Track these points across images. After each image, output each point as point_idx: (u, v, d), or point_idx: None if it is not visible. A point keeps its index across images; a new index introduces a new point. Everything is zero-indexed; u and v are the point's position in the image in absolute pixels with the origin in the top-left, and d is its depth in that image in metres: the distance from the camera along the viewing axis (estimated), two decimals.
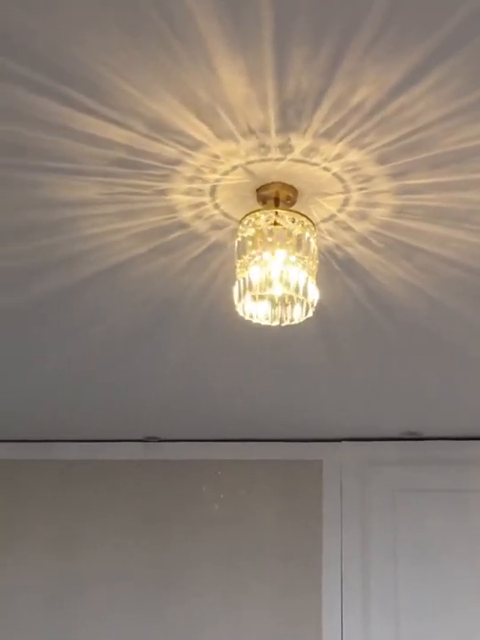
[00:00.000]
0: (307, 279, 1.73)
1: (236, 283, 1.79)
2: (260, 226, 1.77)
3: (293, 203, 1.81)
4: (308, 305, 1.75)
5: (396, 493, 3.24)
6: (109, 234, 1.98)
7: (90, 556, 3.38)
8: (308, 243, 1.75)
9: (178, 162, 1.72)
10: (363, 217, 1.89)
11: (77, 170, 1.75)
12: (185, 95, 1.53)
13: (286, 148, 1.68)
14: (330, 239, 1.98)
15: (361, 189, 1.80)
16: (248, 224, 1.79)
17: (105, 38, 1.40)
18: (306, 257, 1.74)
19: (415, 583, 3.13)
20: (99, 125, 1.61)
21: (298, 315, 1.76)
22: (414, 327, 2.43)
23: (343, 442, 3.35)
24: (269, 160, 1.72)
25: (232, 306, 2.29)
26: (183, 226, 1.94)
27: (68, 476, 3.47)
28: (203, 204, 1.86)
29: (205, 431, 3.46)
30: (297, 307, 1.76)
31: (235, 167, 1.74)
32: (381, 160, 1.70)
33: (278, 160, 1.72)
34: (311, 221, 1.78)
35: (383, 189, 1.80)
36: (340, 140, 1.64)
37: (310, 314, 1.78)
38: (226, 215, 1.91)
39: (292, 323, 1.80)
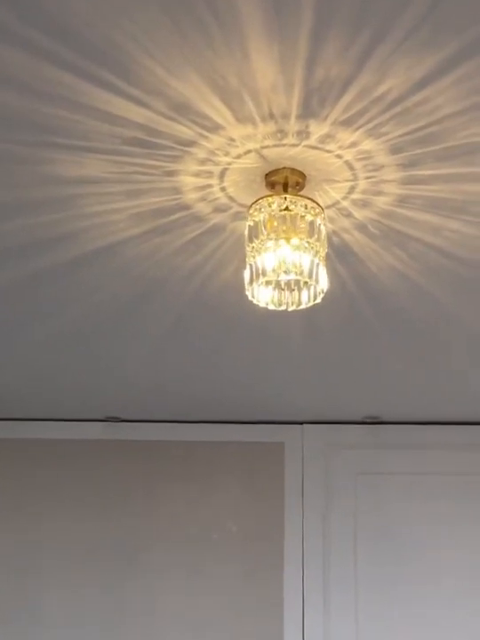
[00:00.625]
0: (317, 265, 1.75)
1: (247, 267, 1.80)
2: (271, 211, 1.78)
3: (302, 188, 1.83)
4: (317, 290, 1.77)
5: (358, 476, 3.30)
6: (110, 213, 1.97)
7: (49, 536, 3.36)
8: (319, 228, 1.77)
9: (192, 143, 1.72)
10: (365, 205, 1.92)
11: (89, 147, 1.73)
12: (214, 78, 1.53)
13: (303, 134, 1.69)
14: (329, 225, 2.00)
15: (368, 178, 1.83)
16: (259, 209, 1.80)
17: (141, 15, 1.39)
18: (316, 242, 1.76)
19: (375, 565, 3.21)
20: (119, 104, 1.60)
21: (305, 300, 1.78)
22: (394, 313, 2.48)
23: (305, 425, 3.39)
24: (284, 145, 1.73)
25: (217, 288, 2.32)
26: (185, 207, 1.94)
27: (29, 455, 3.44)
28: (209, 186, 1.87)
29: (167, 412, 3.47)
30: (304, 292, 1.78)
31: (248, 151, 1.75)
32: (394, 150, 1.73)
33: (293, 146, 1.73)
34: (321, 207, 1.80)
35: (390, 179, 1.83)
36: (358, 128, 1.67)
37: (319, 300, 1.80)
38: (231, 199, 1.91)
39: (300, 308, 1.82)
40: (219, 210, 1.95)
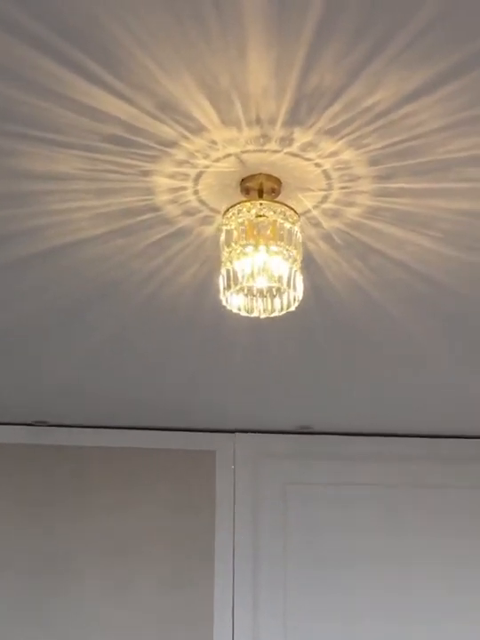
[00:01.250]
0: (294, 272, 1.74)
1: (221, 274, 1.77)
2: (247, 217, 1.76)
3: (277, 195, 1.82)
4: (292, 298, 1.76)
5: (287, 486, 3.31)
6: (73, 211, 1.91)
7: None
8: (295, 235, 1.76)
9: (173, 144, 1.69)
10: (335, 215, 1.93)
11: (63, 142, 1.68)
12: (205, 78, 1.51)
13: (286, 141, 1.68)
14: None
15: (343, 188, 1.83)
16: (235, 214, 1.78)
17: (140, 1, 1.35)
18: (292, 249, 1.75)
19: (304, 574, 3.21)
20: (102, 98, 1.56)
21: (279, 307, 1.77)
22: (344, 324, 2.50)
23: (237, 433, 3.38)
24: (265, 151, 1.72)
25: (172, 292, 2.29)
26: (155, 209, 1.90)
27: None
28: (183, 188, 1.84)
29: (97, 417, 3.39)
30: (278, 299, 1.77)
31: (228, 155, 1.73)
32: (372, 162, 1.74)
33: (274, 152, 1.72)
34: (297, 214, 1.79)
35: (364, 190, 1.84)
36: (341, 138, 1.67)
37: (293, 307, 1.79)
38: (202, 202, 1.88)
39: (273, 314, 1.81)
40: (188, 213, 1.92)
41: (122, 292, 2.28)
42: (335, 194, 1.85)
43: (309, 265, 2.12)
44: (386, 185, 1.82)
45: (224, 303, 1.80)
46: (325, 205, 1.89)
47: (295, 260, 1.74)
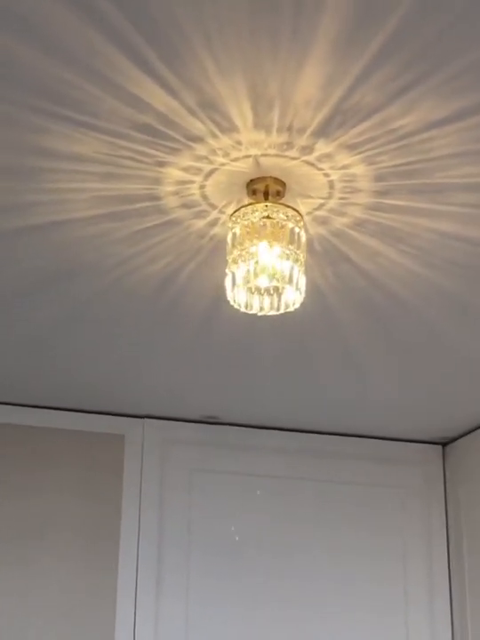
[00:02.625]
0: (297, 271, 1.81)
1: (229, 274, 1.83)
2: (254, 218, 1.83)
3: (281, 197, 1.89)
4: (296, 297, 1.84)
5: (193, 473, 3.37)
6: (73, 191, 1.91)
7: None
8: (299, 236, 1.84)
9: (199, 140, 1.73)
10: (323, 222, 2.02)
11: (95, 125, 1.68)
12: (256, 83, 1.56)
13: (307, 149, 1.76)
14: None
15: (341, 199, 1.93)
16: (241, 216, 1.83)
17: (222, 5, 1.38)
18: (297, 250, 1.82)
19: (207, 560, 3.29)
20: (150, 89, 1.58)
21: (284, 305, 1.85)
22: (287, 324, 2.58)
23: (146, 419, 3.41)
24: (284, 157, 1.79)
25: (137, 280, 2.31)
26: (155, 198, 1.93)
27: None
28: (191, 182, 1.88)
29: (5, 394, 3.33)
30: (285, 297, 1.84)
31: (247, 156, 1.79)
32: (378, 178, 1.85)
33: (292, 159, 1.79)
34: (301, 215, 1.86)
35: (359, 203, 1.94)
36: (359, 154, 1.77)
37: (297, 305, 1.87)
38: (204, 197, 1.93)
39: (284, 312, 1.88)
40: (186, 206, 1.96)
41: (88, 274, 2.29)
42: (332, 203, 1.95)
43: None
44: (381, 200, 1.93)
45: (232, 303, 1.86)
46: (318, 212, 1.98)
47: (297, 260, 1.82)
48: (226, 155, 1.78)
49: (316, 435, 3.58)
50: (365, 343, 2.72)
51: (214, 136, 1.72)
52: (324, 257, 2.17)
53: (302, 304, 2.40)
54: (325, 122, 1.67)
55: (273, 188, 1.87)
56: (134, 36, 1.45)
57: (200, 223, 2.03)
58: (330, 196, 1.92)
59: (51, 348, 2.83)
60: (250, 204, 1.85)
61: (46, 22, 1.42)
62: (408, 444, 3.72)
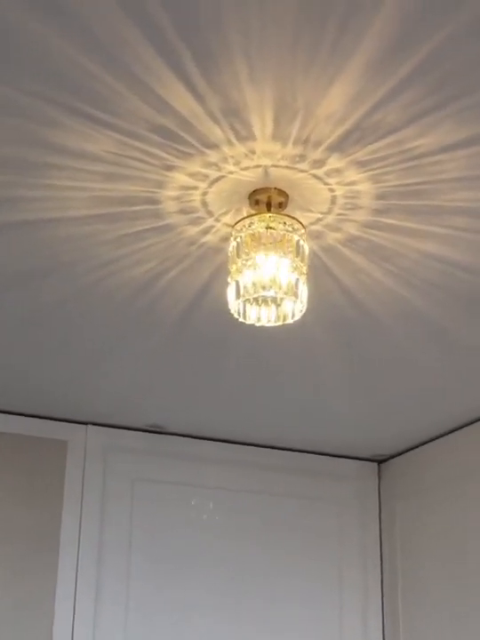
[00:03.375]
0: (300, 282, 1.82)
1: (231, 285, 1.82)
2: (256, 229, 1.82)
3: (283, 209, 1.89)
4: (298, 307, 1.84)
5: (136, 482, 3.32)
6: (72, 189, 1.86)
7: None
8: (302, 247, 1.84)
9: (214, 147, 1.72)
10: (317, 237, 2.03)
11: (111, 124, 1.65)
12: (285, 94, 1.56)
13: (319, 163, 1.77)
14: None
15: (340, 215, 1.95)
16: (245, 227, 1.83)
17: (273, 5, 1.37)
18: (298, 260, 1.82)
19: (147, 569, 3.24)
20: (178, 91, 1.56)
21: (292, 313, 1.84)
22: (248, 337, 2.56)
23: (89, 425, 3.35)
24: (293, 169, 1.79)
25: (114, 284, 2.27)
26: (154, 202, 1.91)
27: None
28: (194, 188, 1.86)
29: None
30: (287, 307, 1.84)
31: (258, 166, 1.78)
32: (381, 196, 1.87)
33: (301, 171, 1.80)
34: (303, 226, 1.87)
35: (356, 220, 1.96)
36: (368, 171, 1.78)
37: (298, 316, 1.86)
38: (204, 204, 1.91)
39: (285, 322, 1.87)
40: (183, 211, 1.94)
41: (64, 275, 2.23)
42: (330, 218, 1.96)
43: None
44: (378, 218, 1.95)
45: (234, 314, 1.85)
46: (314, 227, 1.99)
47: (301, 272, 1.82)
48: (237, 163, 1.77)
49: (258, 448, 3.59)
50: (330, 359, 2.74)
51: (230, 144, 1.71)
52: (308, 270, 2.17)
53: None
54: (343, 137, 1.68)
55: (276, 199, 1.87)
56: (174, 37, 1.43)
57: (193, 230, 2.01)
58: (329, 211, 1.94)
59: (6, 348, 2.75)
60: (254, 214, 1.85)
61: (82, 11, 1.38)
62: (345, 460, 3.76)
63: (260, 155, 1.74)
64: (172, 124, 1.65)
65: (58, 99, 1.59)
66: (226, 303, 2.34)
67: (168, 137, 1.69)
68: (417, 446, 3.63)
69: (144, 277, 2.23)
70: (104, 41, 1.45)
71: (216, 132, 1.67)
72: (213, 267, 2.17)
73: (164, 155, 1.74)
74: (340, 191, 1.86)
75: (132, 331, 2.59)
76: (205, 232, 2.01)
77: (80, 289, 2.31)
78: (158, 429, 3.44)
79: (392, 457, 3.77)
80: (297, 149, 1.72)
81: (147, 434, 3.42)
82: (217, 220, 1.97)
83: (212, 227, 1.99)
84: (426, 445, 3.58)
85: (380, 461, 3.83)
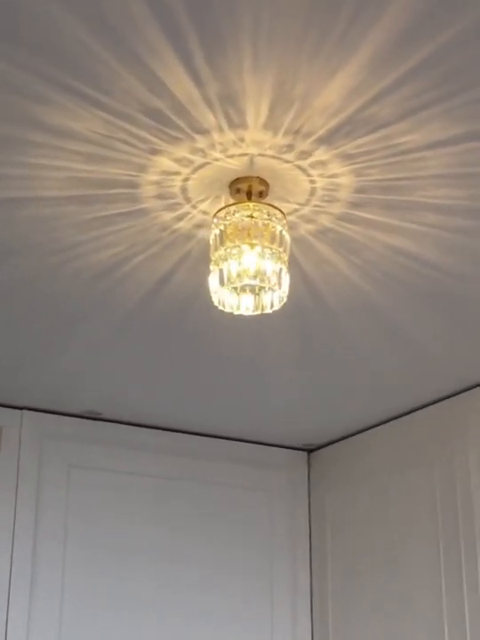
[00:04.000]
0: (281, 271, 1.81)
1: (213, 274, 1.80)
2: (237, 218, 1.81)
3: (263, 198, 1.88)
4: (280, 296, 1.84)
5: (71, 468, 3.26)
6: (49, 169, 1.81)
7: None
8: (282, 235, 1.83)
9: (205, 132, 1.70)
10: (291, 228, 2.02)
11: (102, 103, 1.61)
12: (285, 84, 1.56)
13: (305, 154, 1.77)
14: None
15: (316, 206, 1.95)
16: (226, 215, 1.81)
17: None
18: (280, 249, 1.82)
19: (83, 557, 3.18)
20: (179, 75, 1.53)
21: (274, 302, 1.84)
22: (201, 323, 2.55)
23: (25, 410, 3.27)
24: (279, 159, 1.79)
25: (78, 268, 2.22)
26: (133, 185, 1.87)
27: None
28: (177, 174, 1.83)
29: None
30: (268, 296, 1.84)
31: (244, 154, 1.77)
32: (359, 190, 1.89)
33: (286, 162, 1.79)
34: (284, 215, 1.86)
35: (331, 212, 1.97)
36: (352, 164, 1.80)
37: (280, 305, 1.86)
38: (183, 190, 1.89)
39: (265, 312, 1.86)
40: (160, 197, 1.91)
41: (24, 257, 2.17)
42: (306, 209, 1.96)
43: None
44: (353, 211, 1.97)
45: (216, 303, 1.83)
46: (290, 217, 1.98)
47: (281, 259, 1.82)
48: (224, 151, 1.75)
49: (193, 436, 3.58)
50: (278, 348, 2.75)
51: (220, 130, 1.69)
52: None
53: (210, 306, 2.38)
54: (334, 130, 1.68)
55: (257, 188, 1.87)
56: (184, 18, 1.40)
57: (168, 216, 1.98)
58: (307, 203, 1.94)
59: None
60: (235, 203, 1.84)
61: None
62: (276, 449, 3.79)
63: (249, 143, 1.73)
64: (166, 107, 1.62)
65: (50, 74, 1.53)
66: (182, 291, 2.36)
67: (159, 120, 1.66)
68: (347, 437, 3.69)
69: (108, 262, 2.19)
70: (110, 18, 1.41)
71: (209, 118, 1.65)
72: (181, 254, 2.15)
73: (152, 138, 1.71)
74: (320, 183, 1.87)
75: (84, 316, 2.54)
76: (180, 218, 1.99)
77: (39, 271, 2.24)
78: (95, 416, 3.39)
79: (322, 447, 3.82)
80: (286, 140, 1.72)
81: (84, 420, 3.37)
82: (194, 206, 1.95)
83: (188, 213, 1.97)
84: (356, 436, 3.64)
85: (310, 451, 3.87)
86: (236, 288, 1.82)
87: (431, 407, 3.20)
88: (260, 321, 2.53)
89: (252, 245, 1.81)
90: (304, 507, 3.76)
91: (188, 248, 2.12)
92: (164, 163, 1.79)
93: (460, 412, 3.07)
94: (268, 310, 1.87)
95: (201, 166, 1.81)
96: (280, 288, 1.82)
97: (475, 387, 3.01)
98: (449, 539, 3.02)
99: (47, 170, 1.81)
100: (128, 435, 3.42)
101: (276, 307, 1.87)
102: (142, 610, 3.25)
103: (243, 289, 1.83)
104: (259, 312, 1.87)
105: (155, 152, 1.76)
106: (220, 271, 1.79)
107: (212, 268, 1.82)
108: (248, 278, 1.79)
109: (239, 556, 3.51)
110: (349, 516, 3.56)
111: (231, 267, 1.79)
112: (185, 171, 1.82)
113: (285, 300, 1.86)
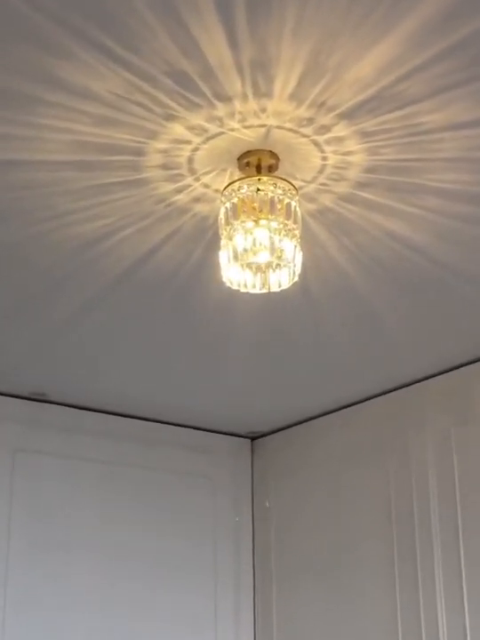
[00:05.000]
0: (295, 246, 1.76)
1: (223, 251, 1.74)
2: (246, 192, 1.75)
3: (273, 172, 1.83)
4: (291, 272, 1.79)
5: (16, 453, 3.13)
6: (55, 131, 1.72)
7: None
8: (294, 210, 1.78)
9: (227, 100, 1.63)
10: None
11: (128, 62, 1.53)
12: (320, 53, 1.52)
13: (324, 129, 1.73)
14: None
15: (322, 185, 1.91)
16: (234, 191, 1.76)
17: None
18: (292, 223, 1.77)
19: (27, 544, 3.06)
20: (214, 36, 1.47)
21: (285, 280, 1.79)
22: (176, 300, 2.49)
23: None
24: (297, 133, 1.74)
25: (57, 239, 2.13)
26: (139, 153, 1.80)
27: None
28: (188, 143, 1.77)
29: None
30: (284, 272, 1.78)
31: (263, 126, 1.72)
32: (369, 170, 1.86)
33: (303, 136, 1.75)
34: (295, 188, 1.80)
35: (335, 191, 1.94)
36: (369, 142, 1.77)
37: (296, 278, 1.81)
38: (189, 161, 1.83)
39: (281, 288, 1.81)
40: (164, 167, 1.84)
41: (9, 223, 2.05)
42: (311, 187, 1.92)
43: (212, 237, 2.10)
44: (357, 192, 1.94)
45: (226, 282, 1.77)
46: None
47: (295, 235, 1.77)
48: (242, 120, 1.70)
49: (138, 420, 3.50)
50: (243, 331, 2.70)
51: (244, 98, 1.63)
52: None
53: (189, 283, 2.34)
54: (359, 105, 1.65)
55: (267, 161, 1.81)
56: None
57: (168, 187, 1.91)
58: (313, 180, 1.90)
59: None
60: (244, 177, 1.78)
61: None
62: (220, 435, 3.74)
63: (270, 114, 1.68)
64: (194, 70, 1.55)
65: (79, 26, 1.45)
66: (161, 269, 2.29)
67: (183, 84, 1.59)
68: (294, 425, 3.66)
69: (95, 234, 2.09)
70: None
71: (235, 85, 1.59)
72: (171, 229, 2.08)
73: (171, 103, 1.64)
74: (332, 160, 1.83)
75: (55, 290, 2.42)
76: (179, 191, 1.92)
77: (25, 238, 2.12)
78: (42, 397, 3.27)
79: (266, 434, 3.79)
80: (309, 112, 1.67)
81: (29, 402, 3.24)
82: (197, 179, 1.88)
83: (189, 186, 1.90)
84: (303, 424, 3.61)
85: (254, 438, 3.83)
86: (247, 264, 1.76)
87: (386, 396, 3.20)
88: (234, 302, 2.49)
89: (268, 220, 1.75)
90: (247, 497, 3.73)
91: (179, 223, 2.06)
92: (177, 130, 1.72)
93: (416, 401, 3.08)
94: (276, 289, 1.82)
95: (214, 136, 1.75)
96: (294, 265, 1.77)
97: (434, 376, 3.03)
98: (403, 533, 3.00)
99: (53, 131, 1.72)
100: (74, 418, 3.32)
101: (285, 285, 1.82)
102: (85, 603, 3.15)
103: (250, 266, 1.77)
104: (266, 290, 1.82)
105: (170, 118, 1.68)
106: (230, 248, 1.73)
107: (223, 242, 1.76)
108: (260, 253, 1.73)
109: (182, 546, 3.45)
110: (295, 508, 3.53)
111: (241, 242, 1.73)
112: (196, 140, 1.76)
113: (296, 278, 1.81)
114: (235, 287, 1.79)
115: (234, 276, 1.77)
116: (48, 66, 1.53)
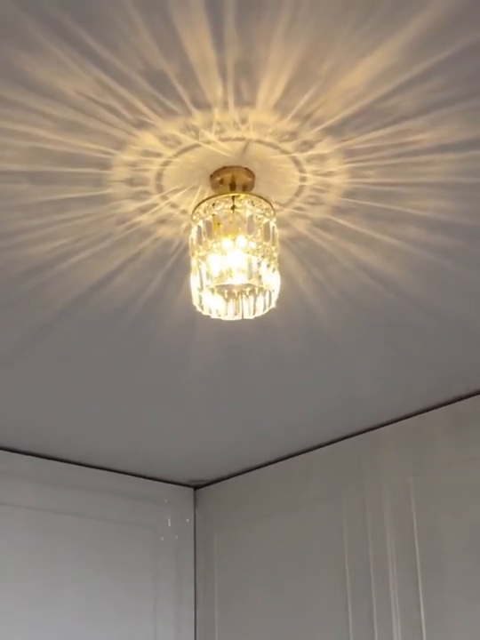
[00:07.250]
0: (271, 268, 1.63)
1: (196, 274, 1.59)
2: (220, 211, 1.62)
3: (250, 189, 1.69)
4: (270, 294, 1.65)
5: None
6: (16, 136, 1.55)
7: None
8: (271, 229, 1.65)
9: (205, 108, 1.50)
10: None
11: (103, 59, 1.39)
12: (312, 58, 1.40)
13: (306, 146, 1.61)
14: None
15: (297, 209, 1.79)
16: (207, 208, 1.62)
17: None
18: (268, 244, 1.63)
19: None
20: (199, 34, 1.34)
21: (260, 306, 1.64)
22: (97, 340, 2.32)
23: None
24: (276, 148, 1.62)
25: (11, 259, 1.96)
26: (104, 165, 1.65)
27: None
28: (157, 155, 1.63)
29: None
30: (259, 297, 1.64)
31: (241, 139, 1.59)
32: (349, 193, 1.74)
33: (284, 153, 1.63)
34: (273, 208, 1.68)
35: (310, 217, 1.82)
36: (353, 162, 1.65)
37: (273, 304, 1.66)
38: (157, 177, 1.69)
39: (256, 315, 1.66)
40: (130, 182, 1.69)
41: None
42: (285, 211, 1.80)
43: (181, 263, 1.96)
44: (332, 218, 1.82)
45: (198, 308, 1.62)
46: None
47: (274, 258, 1.63)
48: (219, 131, 1.56)
49: (74, 465, 3.29)
50: (197, 373, 2.54)
51: (224, 106, 1.50)
52: None
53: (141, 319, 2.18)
54: (347, 119, 1.54)
55: (242, 179, 1.68)
56: None
57: (131, 206, 1.76)
58: (288, 204, 1.78)
59: None
60: (217, 194, 1.64)
61: None
62: (161, 484, 3.55)
63: (250, 126, 1.55)
64: (173, 71, 1.41)
65: (53, 15, 1.30)
66: (114, 301, 2.12)
67: (159, 86, 1.45)
68: (238, 474, 3.50)
69: (46, 257, 1.92)
70: None
71: (216, 90, 1.46)
72: (130, 254, 1.93)
73: (144, 108, 1.49)
74: (311, 182, 1.71)
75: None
76: (144, 211, 1.77)
77: None
78: None
79: (209, 483, 3.62)
80: (292, 125, 1.55)
81: None
82: (164, 197, 1.74)
83: (155, 205, 1.76)
84: (248, 474, 3.46)
85: (196, 487, 3.65)
86: (216, 289, 1.61)
87: (341, 442, 3.07)
88: (186, 343, 2.35)
89: (247, 239, 1.61)
90: (189, 547, 3.54)
91: (139, 248, 1.91)
92: (148, 140, 1.58)
93: (372, 449, 2.95)
94: (250, 316, 1.67)
95: (187, 149, 1.61)
96: (269, 289, 1.63)
97: (390, 423, 2.91)
98: (357, 579, 2.87)
99: (9, 136, 1.56)
100: (6, 462, 3.09)
101: (260, 312, 1.67)
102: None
103: (221, 291, 1.63)
104: (239, 317, 1.67)
105: (142, 125, 1.54)
106: (200, 271, 1.58)
107: (194, 263, 1.61)
108: (237, 275, 1.59)
109: (121, 601, 3.23)
110: (239, 559, 3.35)
111: (216, 263, 1.59)
112: (168, 153, 1.62)
113: (273, 305, 1.67)
114: (205, 313, 1.64)
115: (205, 301, 1.62)
116: (11, 57, 1.38)
